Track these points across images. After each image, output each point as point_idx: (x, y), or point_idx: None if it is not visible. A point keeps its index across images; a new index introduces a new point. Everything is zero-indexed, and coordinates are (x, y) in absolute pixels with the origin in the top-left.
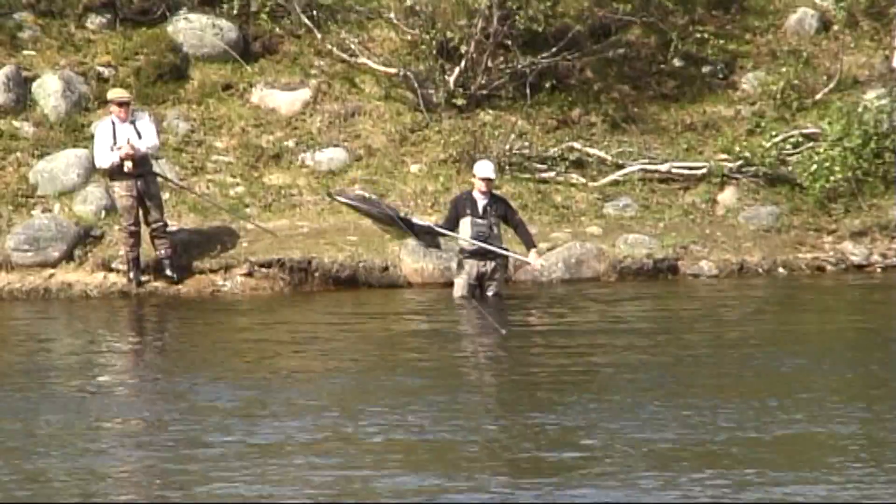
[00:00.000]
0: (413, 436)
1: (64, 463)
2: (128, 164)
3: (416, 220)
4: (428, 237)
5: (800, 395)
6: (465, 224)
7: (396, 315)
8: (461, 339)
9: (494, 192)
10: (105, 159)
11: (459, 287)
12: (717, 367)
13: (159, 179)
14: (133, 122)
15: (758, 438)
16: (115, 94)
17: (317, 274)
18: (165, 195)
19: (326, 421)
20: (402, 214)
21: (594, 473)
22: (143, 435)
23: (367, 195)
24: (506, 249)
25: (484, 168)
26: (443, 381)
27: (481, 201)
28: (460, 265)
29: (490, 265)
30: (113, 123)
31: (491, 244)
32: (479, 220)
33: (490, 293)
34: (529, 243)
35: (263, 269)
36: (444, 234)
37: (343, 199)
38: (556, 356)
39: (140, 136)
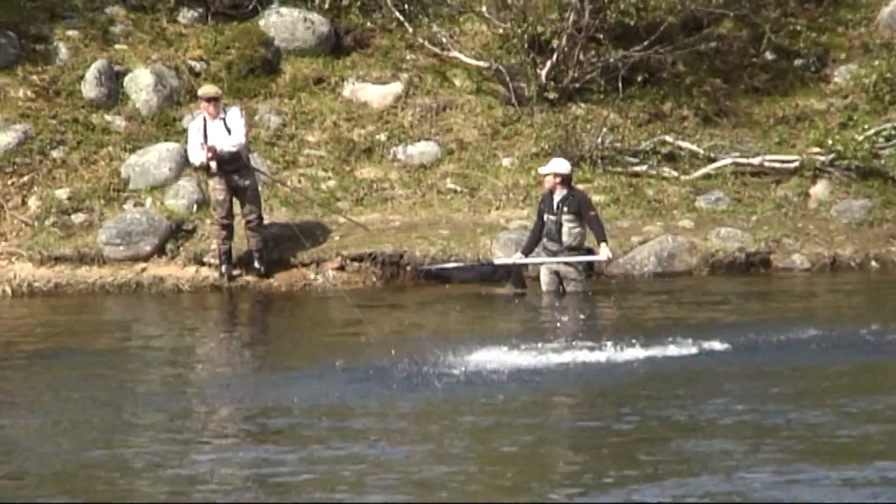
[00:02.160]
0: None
1: (156, 455)
2: (213, 165)
3: (497, 260)
4: (516, 278)
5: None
6: (546, 223)
7: (487, 310)
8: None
9: (575, 187)
10: (197, 157)
11: (544, 282)
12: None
13: (257, 175)
14: (223, 119)
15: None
16: (204, 90)
17: (408, 268)
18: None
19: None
20: (495, 262)
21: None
22: (235, 429)
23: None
24: (583, 251)
25: (549, 165)
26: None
27: (557, 198)
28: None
29: (562, 265)
30: (204, 120)
31: (560, 241)
32: (552, 218)
33: (569, 289)
34: (600, 237)
35: (355, 263)
36: (526, 263)
37: (436, 269)
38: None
39: (229, 133)
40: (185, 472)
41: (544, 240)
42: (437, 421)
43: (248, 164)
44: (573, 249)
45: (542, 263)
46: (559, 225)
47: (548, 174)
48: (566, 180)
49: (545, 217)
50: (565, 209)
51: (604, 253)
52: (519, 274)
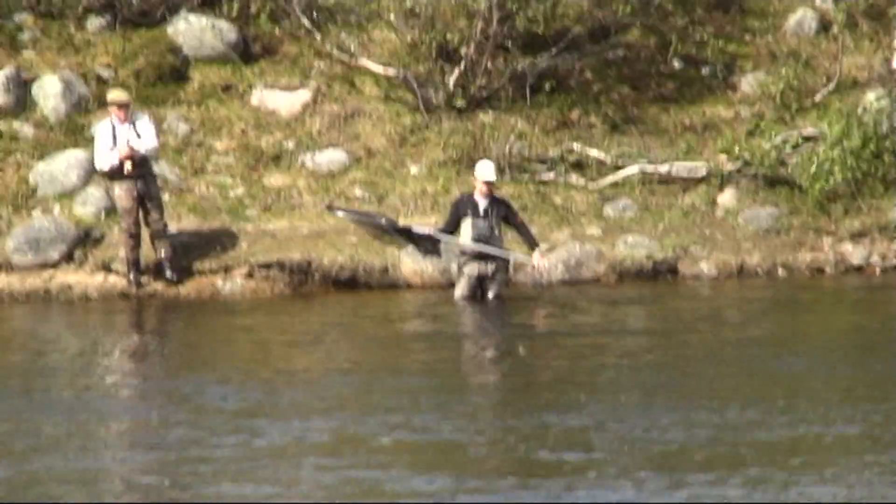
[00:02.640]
0: (420, 437)
1: (73, 463)
2: (127, 166)
3: (415, 227)
4: (428, 245)
5: (805, 395)
6: (466, 225)
7: (398, 317)
8: (463, 340)
9: (495, 193)
10: (105, 161)
11: (461, 288)
12: (722, 367)
13: (159, 181)
14: (133, 124)
15: (766, 439)
16: (114, 95)
17: (317, 275)
18: (165, 197)
19: (334, 422)
20: (399, 225)
21: (602, 474)
22: (150, 436)
23: (364, 210)
24: (506, 251)
25: (485, 169)
26: (447, 382)
27: (482, 203)
28: (461, 267)
29: (491, 267)
30: (113, 125)
31: (492, 245)
32: (481, 222)
33: (491, 295)
34: (532, 243)
35: (263, 271)
36: (443, 240)
37: (341, 213)
38: (560, 357)
39: (139, 137)
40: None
41: (470, 243)
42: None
43: (152, 171)
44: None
45: (476, 250)
46: (491, 229)
47: (487, 181)
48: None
49: (469, 221)
50: (494, 213)
51: (537, 257)
52: (431, 248)
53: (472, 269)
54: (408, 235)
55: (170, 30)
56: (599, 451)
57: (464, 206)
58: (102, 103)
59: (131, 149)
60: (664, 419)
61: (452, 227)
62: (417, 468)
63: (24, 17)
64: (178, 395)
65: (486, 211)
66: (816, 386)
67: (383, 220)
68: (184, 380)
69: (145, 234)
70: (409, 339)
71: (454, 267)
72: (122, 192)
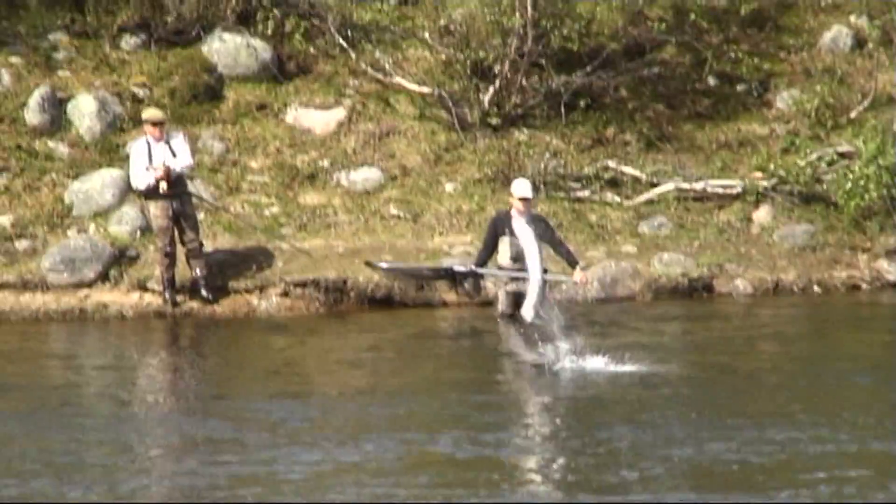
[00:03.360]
0: (492, 452)
1: (120, 486)
2: (163, 185)
3: (456, 267)
4: (472, 281)
5: (851, 412)
6: (504, 244)
7: (439, 334)
8: (508, 357)
9: (532, 211)
10: (141, 180)
11: (501, 304)
12: (766, 386)
13: (194, 200)
14: (168, 142)
15: (818, 455)
16: (149, 113)
17: (352, 294)
18: (200, 216)
19: (401, 440)
20: (441, 268)
21: (650, 490)
22: (215, 453)
23: (405, 264)
24: (545, 271)
25: (521, 187)
26: (501, 399)
27: (519, 220)
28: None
29: (528, 284)
30: (148, 143)
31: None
32: (518, 241)
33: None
34: (573, 262)
35: (299, 289)
36: (486, 273)
37: (383, 266)
38: (604, 374)
39: (175, 156)
40: None
41: (508, 262)
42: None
43: (188, 190)
44: (545, 271)
45: (516, 278)
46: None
47: (523, 197)
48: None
49: (507, 239)
50: (534, 231)
51: (578, 275)
52: (475, 284)
53: (512, 286)
54: (451, 276)
55: (204, 48)
56: (649, 469)
57: (501, 225)
58: (137, 122)
59: (167, 168)
60: (736, 436)
61: (490, 247)
62: (504, 483)
63: (59, 37)
64: (227, 411)
65: (525, 229)
66: (864, 402)
67: (424, 270)
68: (229, 398)
69: (181, 252)
70: (455, 356)
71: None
72: (157, 211)
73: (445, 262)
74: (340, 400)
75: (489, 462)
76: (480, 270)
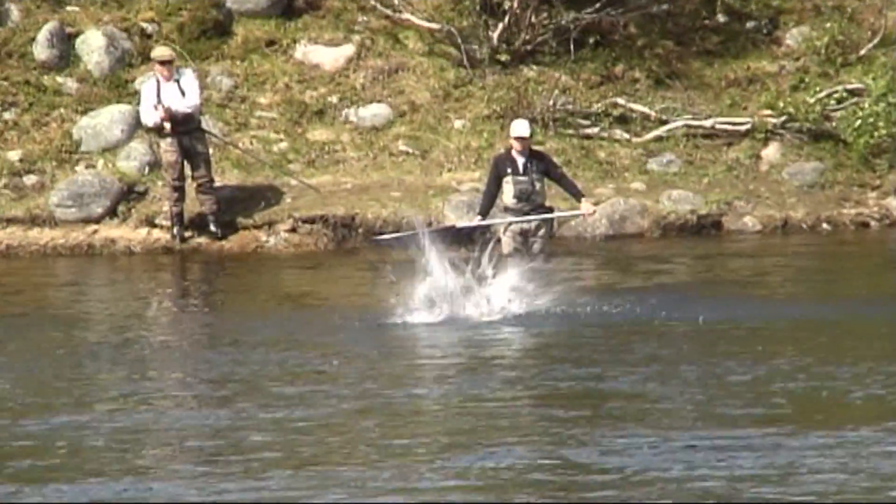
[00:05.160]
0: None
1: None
2: (167, 126)
3: (459, 224)
4: (478, 233)
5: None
6: (508, 183)
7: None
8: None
9: (534, 148)
10: (150, 118)
11: (507, 244)
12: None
13: (206, 136)
14: (177, 81)
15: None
16: (158, 52)
17: (360, 230)
18: (210, 151)
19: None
20: (444, 226)
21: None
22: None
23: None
24: (551, 210)
25: (518, 127)
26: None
27: (521, 159)
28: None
29: (534, 223)
30: (157, 82)
31: (534, 200)
32: (521, 178)
33: (535, 249)
34: (577, 194)
35: (307, 226)
36: (492, 224)
37: (385, 238)
38: (603, 315)
39: (184, 95)
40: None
41: (512, 201)
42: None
43: (199, 127)
44: (544, 208)
45: (518, 222)
46: (532, 185)
47: (519, 136)
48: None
49: (510, 179)
50: (534, 169)
51: (585, 207)
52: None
53: (516, 225)
54: (455, 233)
55: None
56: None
57: (503, 165)
58: (146, 58)
59: (168, 110)
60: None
61: (494, 190)
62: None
63: None
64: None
65: (525, 167)
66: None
67: (427, 233)
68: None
69: (190, 188)
70: None
71: (497, 221)
72: (167, 147)
73: (451, 205)
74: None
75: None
76: (485, 222)
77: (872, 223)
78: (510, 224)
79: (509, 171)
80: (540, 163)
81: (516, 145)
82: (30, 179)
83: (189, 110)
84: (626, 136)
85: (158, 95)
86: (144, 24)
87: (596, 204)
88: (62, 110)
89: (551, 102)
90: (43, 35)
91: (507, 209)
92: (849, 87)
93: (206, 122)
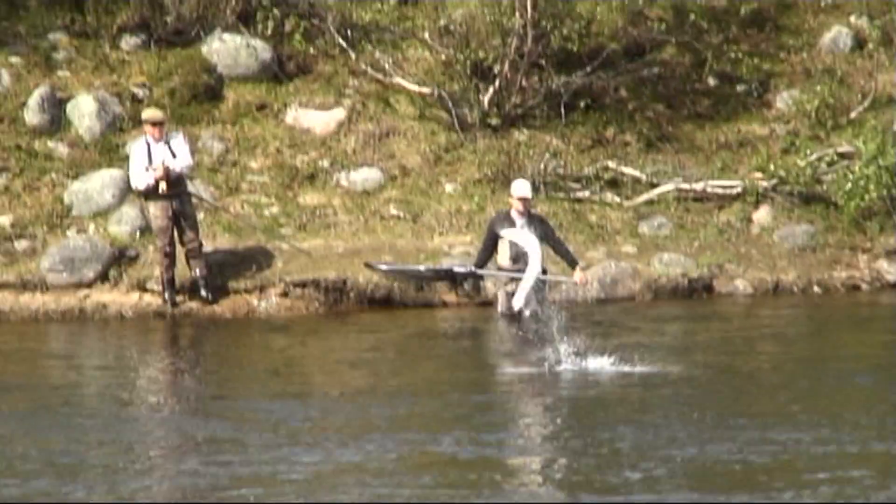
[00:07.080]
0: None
1: (122, 486)
2: (162, 186)
3: (455, 268)
4: (472, 281)
5: (853, 412)
6: (504, 245)
7: (439, 335)
8: (509, 357)
9: (532, 211)
10: (140, 180)
11: (501, 303)
12: (767, 386)
13: (194, 200)
14: (168, 143)
15: (820, 455)
16: (149, 113)
17: (352, 294)
18: (200, 215)
19: (400, 440)
20: (441, 268)
21: (653, 490)
22: (216, 453)
23: (403, 265)
24: (545, 272)
25: (520, 187)
26: (503, 399)
27: (519, 221)
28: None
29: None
30: (148, 144)
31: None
32: (517, 241)
33: (527, 312)
34: (573, 262)
35: (298, 290)
36: (485, 274)
37: (383, 267)
38: (605, 374)
39: (174, 156)
40: None
41: (508, 262)
42: None
43: (187, 190)
44: (544, 271)
45: (512, 277)
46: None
47: (522, 197)
48: None
49: (507, 240)
50: (533, 232)
51: (577, 275)
52: (475, 284)
53: (511, 286)
54: (451, 277)
55: (204, 49)
56: (651, 469)
57: (501, 225)
58: (137, 122)
59: (166, 168)
60: (738, 436)
61: (490, 248)
62: (506, 484)
63: (59, 37)
64: (227, 412)
65: (524, 228)
66: (865, 403)
67: (423, 269)
68: (230, 399)
69: (180, 253)
70: (455, 356)
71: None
72: (157, 211)
73: (445, 263)
74: (341, 400)
75: (490, 462)
76: (480, 271)
77: (864, 286)
78: (504, 284)
79: (507, 231)
80: (539, 225)
81: (517, 206)
82: (21, 244)
83: (184, 170)
84: (618, 199)
85: (149, 157)
86: (135, 89)
87: (586, 267)
88: (53, 175)
89: (542, 166)
90: (34, 100)
91: (501, 270)
92: (839, 149)
93: (194, 186)
